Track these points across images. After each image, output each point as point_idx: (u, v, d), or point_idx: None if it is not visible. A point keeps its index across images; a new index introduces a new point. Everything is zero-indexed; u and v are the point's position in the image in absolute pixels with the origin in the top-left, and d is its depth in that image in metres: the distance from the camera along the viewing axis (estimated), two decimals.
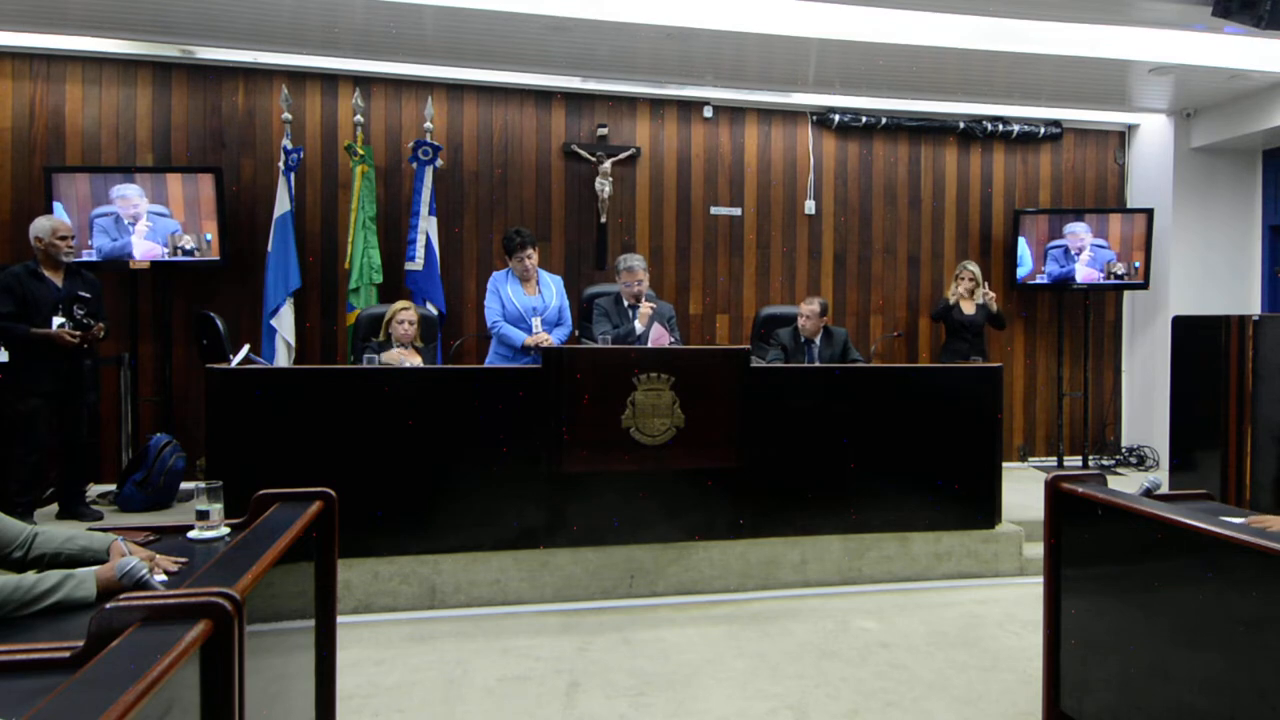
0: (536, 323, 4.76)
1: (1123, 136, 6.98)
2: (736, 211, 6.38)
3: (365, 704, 2.96)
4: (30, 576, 1.82)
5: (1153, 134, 6.77)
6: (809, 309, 5.20)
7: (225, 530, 2.26)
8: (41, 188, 5.17)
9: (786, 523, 4.25)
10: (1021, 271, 6.47)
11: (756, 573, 4.21)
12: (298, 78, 5.67)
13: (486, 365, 4.87)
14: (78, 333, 4.43)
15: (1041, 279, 6.47)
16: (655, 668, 3.30)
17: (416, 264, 5.54)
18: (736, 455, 4.14)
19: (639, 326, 4.71)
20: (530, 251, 4.81)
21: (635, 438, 4.05)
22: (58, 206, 5.08)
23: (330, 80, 5.75)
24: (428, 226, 5.58)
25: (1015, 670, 3.29)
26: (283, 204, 5.42)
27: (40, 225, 4.50)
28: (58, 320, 4.42)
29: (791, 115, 6.44)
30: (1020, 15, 5.01)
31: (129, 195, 5.22)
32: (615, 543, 4.09)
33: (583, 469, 4.03)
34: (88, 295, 4.58)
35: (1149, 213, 6.45)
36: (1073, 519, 2.65)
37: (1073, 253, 6.44)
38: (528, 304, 4.80)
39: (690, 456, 4.10)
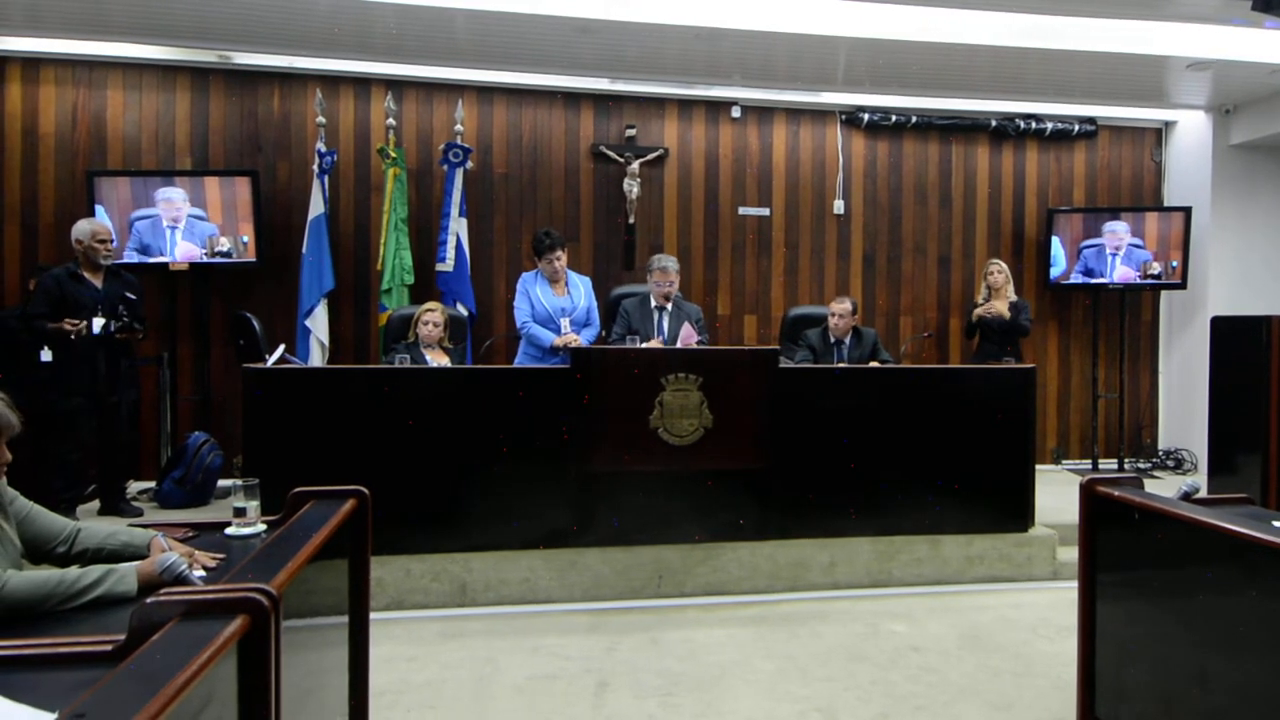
0: (565, 323, 4.78)
1: (1159, 133, 6.84)
2: (765, 212, 6.36)
3: (397, 700, 2.99)
4: (74, 571, 1.86)
5: (1190, 131, 6.64)
6: (840, 308, 5.16)
7: (262, 527, 2.30)
8: (84, 191, 5.29)
9: (815, 524, 4.22)
10: (1055, 271, 6.38)
11: (785, 574, 4.19)
12: (331, 82, 5.74)
13: (516, 365, 4.90)
14: (78, 323, 4.40)
15: (1076, 279, 6.37)
16: (684, 668, 3.30)
17: (447, 265, 5.58)
18: (765, 456, 4.13)
19: (663, 330, 4.74)
20: (559, 253, 4.83)
21: (663, 438, 4.05)
22: (99, 209, 5.19)
23: (363, 84, 5.81)
24: (458, 228, 5.63)
25: (1049, 676, 3.24)
26: (317, 206, 5.50)
27: (80, 228, 4.60)
28: (99, 321, 4.52)
29: (820, 115, 6.40)
30: (1054, 11, 4.94)
31: (173, 199, 5.32)
32: (643, 543, 4.09)
33: (611, 469, 4.04)
34: (134, 297, 4.69)
35: (1187, 211, 6.32)
36: (1108, 523, 2.61)
37: (1108, 252, 6.33)
38: (556, 305, 4.83)
39: (718, 457, 4.09)
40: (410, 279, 5.58)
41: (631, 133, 6.14)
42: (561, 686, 3.14)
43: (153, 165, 5.55)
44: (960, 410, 4.36)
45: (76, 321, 4.42)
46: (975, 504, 4.34)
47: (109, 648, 1.40)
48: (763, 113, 6.33)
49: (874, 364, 4.98)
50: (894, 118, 6.38)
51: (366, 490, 2.37)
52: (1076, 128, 6.61)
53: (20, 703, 1.27)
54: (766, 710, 2.96)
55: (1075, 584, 2.75)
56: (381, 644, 3.32)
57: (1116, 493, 2.56)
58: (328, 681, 2.13)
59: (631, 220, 6.10)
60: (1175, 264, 6.32)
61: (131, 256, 5.26)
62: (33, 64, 5.42)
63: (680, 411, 4.07)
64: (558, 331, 4.77)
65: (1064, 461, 6.67)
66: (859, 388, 4.35)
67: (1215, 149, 6.43)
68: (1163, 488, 3.06)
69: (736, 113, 6.27)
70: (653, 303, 4.85)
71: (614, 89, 6.05)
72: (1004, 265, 5.92)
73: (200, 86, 5.64)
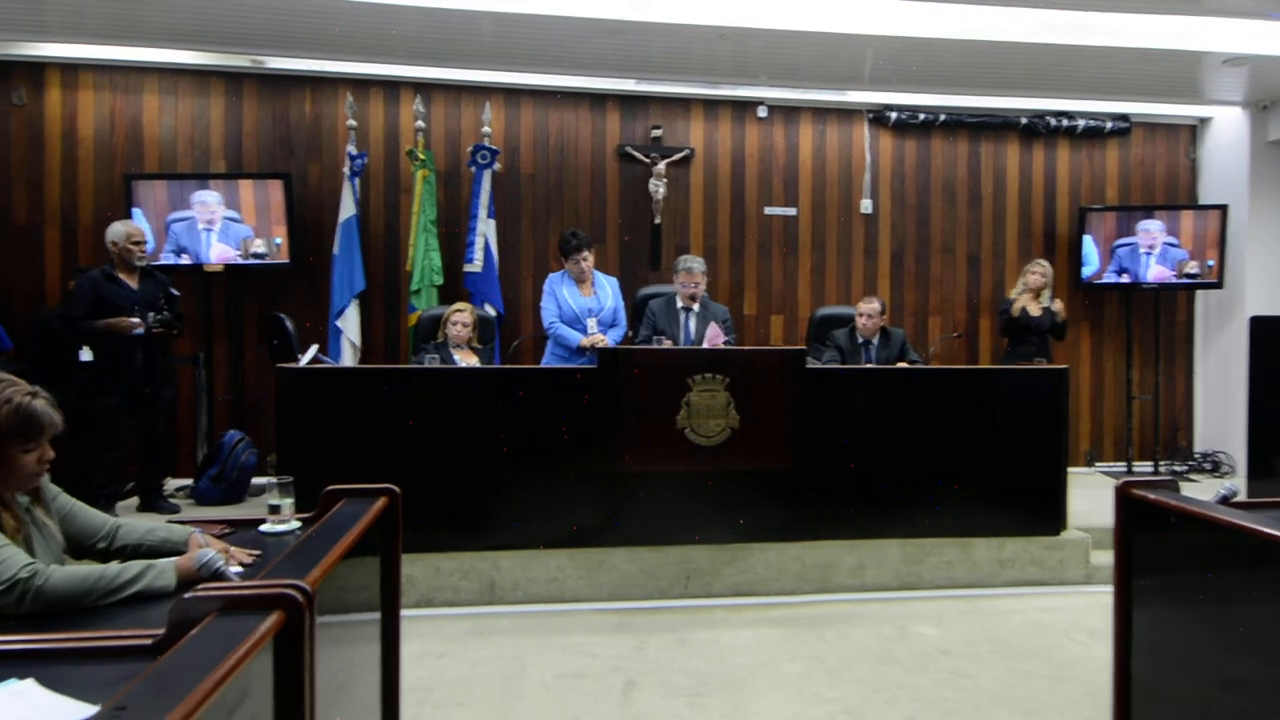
0: (592, 324, 4.80)
1: (1194, 130, 6.72)
2: (791, 211, 6.33)
3: (427, 696, 3.02)
4: (114, 567, 1.90)
5: (1227, 127, 6.51)
6: (869, 308, 5.12)
7: (296, 524, 2.33)
8: (122, 194, 5.40)
9: (843, 525, 4.20)
10: (1087, 271, 6.29)
11: (812, 575, 4.18)
12: (361, 85, 5.81)
13: (543, 365, 4.93)
14: (134, 320, 4.54)
15: (1109, 278, 6.27)
16: (711, 669, 3.30)
17: (475, 266, 5.62)
18: (792, 456, 4.12)
19: (689, 331, 4.74)
20: (586, 253, 4.85)
21: (690, 438, 4.05)
22: (136, 212, 5.29)
23: (392, 87, 5.87)
24: (486, 229, 5.67)
25: (1082, 681, 3.20)
26: (348, 208, 5.56)
27: (115, 230, 4.69)
28: (134, 320, 4.59)
29: (847, 113, 6.36)
30: (1087, 6, 4.86)
31: (208, 201, 5.42)
32: (671, 543, 4.10)
33: (638, 469, 4.05)
34: (177, 294, 4.80)
35: (1223, 209, 6.20)
36: (1144, 526, 2.56)
37: (1142, 251, 6.23)
38: (583, 305, 4.84)
39: (745, 457, 4.08)
40: (439, 280, 5.63)
41: (657, 133, 6.14)
42: (589, 685, 3.15)
43: (188, 168, 5.65)
44: (991, 412, 4.31)
45: (136, 321, 4.53)
46: (1006, 506, 4.30)
47: (149, 642, 1.42)
48: (789, 112, 6.30)
49: (902, 365, 4.95)
50: (922, 116, 6.32)
51: (397, 489, 2.40)
52: (1109, 125, 6.51)
53: (63, 695, 1.31)
54: (794, 712, 2.95)
55: (1108, 588, 2.70)
56: (412, 641, 3.35)
57: (1152, 496, 2.52)
58: (360, 677, 2.16)
59: (657, 221, 6.10)
60: (1211, 263, 6.21)
61: (168, 258, 5.35)
62: (71, 70, 5.54)
63: (707, 412, 4.06)
64: (585, 332, 4.79)
65: (1097, 464, 6.57)
66: (887, 388, 4.32)
67: (1252, 145, 6.30)
68: (1200, 491, 3.01)
69: (763, 112, 6.25)
70: (679, 303, 4.85)
71: (640, 90, 6.06)
72: (1048, 268, 5.72)
73: (234, 91, 5.73)
